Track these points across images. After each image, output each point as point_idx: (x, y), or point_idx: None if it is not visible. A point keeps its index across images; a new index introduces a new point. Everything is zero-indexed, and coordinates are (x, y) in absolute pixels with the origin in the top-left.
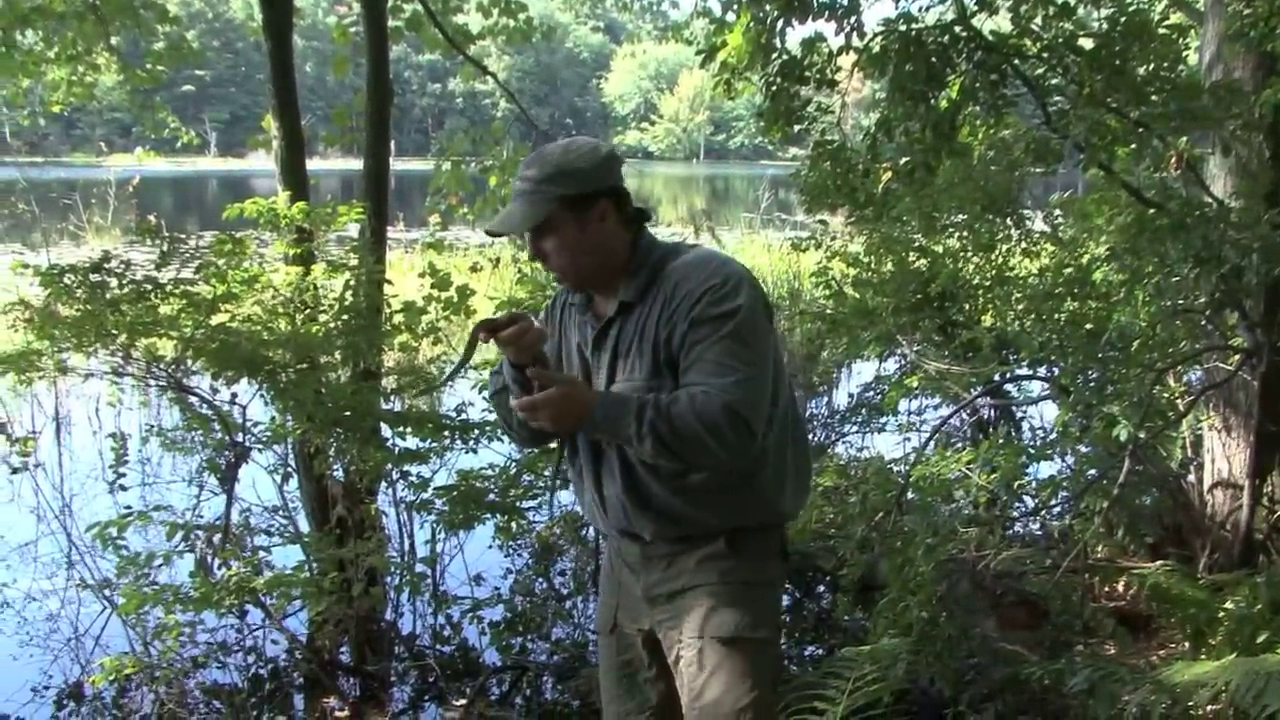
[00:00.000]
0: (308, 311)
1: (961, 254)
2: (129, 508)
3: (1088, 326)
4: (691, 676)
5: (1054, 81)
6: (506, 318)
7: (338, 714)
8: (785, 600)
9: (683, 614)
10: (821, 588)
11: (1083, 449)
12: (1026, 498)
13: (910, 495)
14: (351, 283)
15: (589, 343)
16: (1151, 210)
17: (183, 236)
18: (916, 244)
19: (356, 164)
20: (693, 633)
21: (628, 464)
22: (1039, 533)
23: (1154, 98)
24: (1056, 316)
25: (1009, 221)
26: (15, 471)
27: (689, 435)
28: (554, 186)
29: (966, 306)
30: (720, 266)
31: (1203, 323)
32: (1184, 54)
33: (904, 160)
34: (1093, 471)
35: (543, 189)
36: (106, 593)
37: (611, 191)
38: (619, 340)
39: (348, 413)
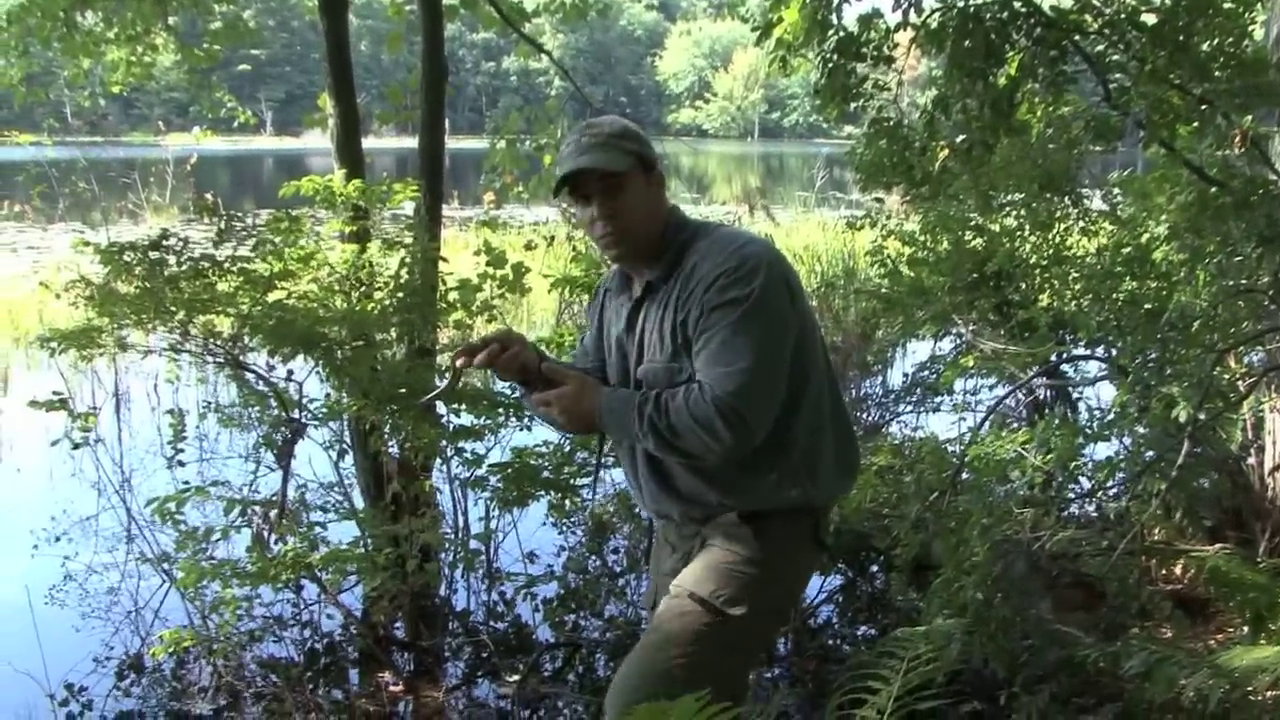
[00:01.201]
0: (363, 289)
1: (1018, 233)
2: (187, 483)
3: (1147, 306)
4: (659, 612)
5: (1115, 58)
6: (480, 342)
7: (392, 688)
8: (838, 580)
9: (688, 565)
10: (875, 567)
11: (1141, 430)
12: (1083, 479)
13: (965, 475)
14: (407, 260)
15: (624, 325)
16: (1214, 189)
17: (239, 214)
18: (973, 223)
19: (411, 142)
20: (680, 580)
21: None
22: (1095, 514)
23: (1218, 74)
24: (1115, 296)
25: (1067, 200)
26: (76, 447)
27: (684, 431)
28: (630, 143)
29: (1023, 286)
30: (739, 249)
31: (1265, 303)
32: (1250, 29)
33: (961, 138)
34: (1151, 453)
35: (621, 144)
36: (165, 567)
37: (656, 166)
38: (645, 321)
39: (403, 390)
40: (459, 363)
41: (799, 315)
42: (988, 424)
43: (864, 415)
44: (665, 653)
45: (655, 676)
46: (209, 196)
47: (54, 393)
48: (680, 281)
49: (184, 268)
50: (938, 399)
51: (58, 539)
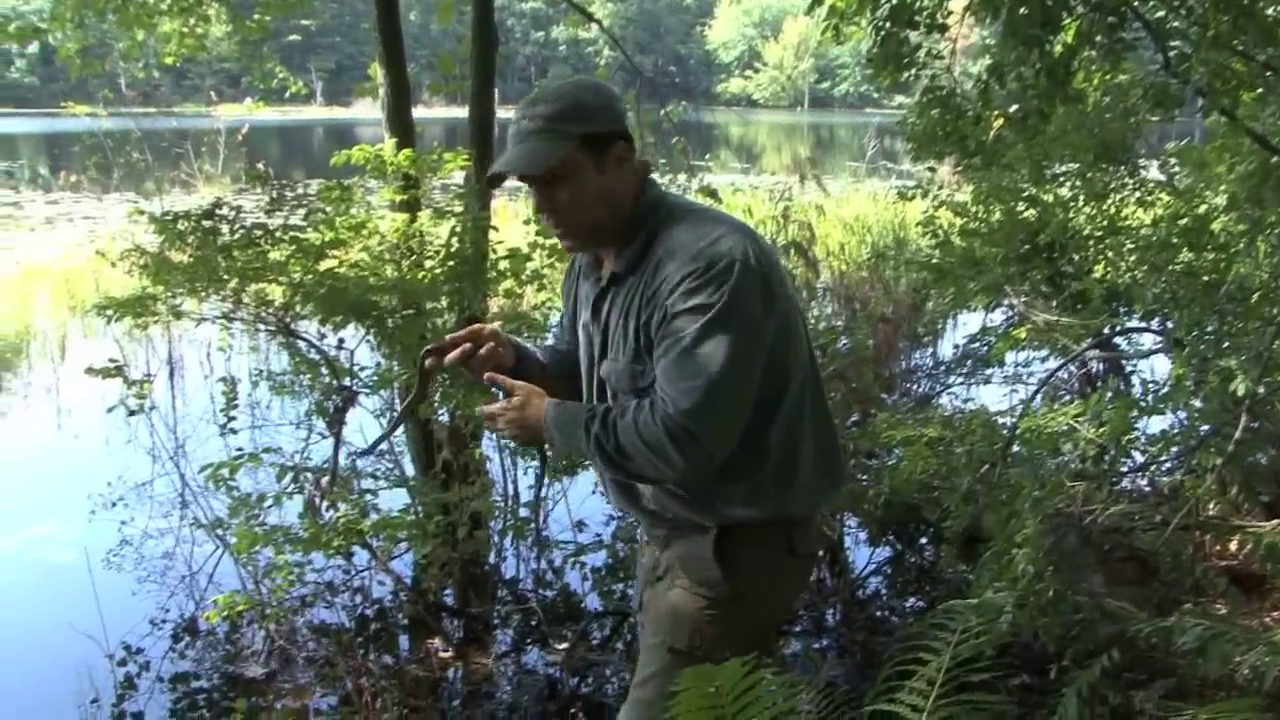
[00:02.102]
0: (414, 258)
1: (1073, 203)
2: (240, 450)
3: (1205, 278)
4: (642, 664)
5: (1175, 24)
6: (449, 341)
7: (441, 655)
8: (886, 552)
9: (659, 602)
10: (924, 540)
11: (1196, 404)
12: (1136, 453)
13: (1016, 448)
14: (457, 229)
15: (590, 312)
16: (1276, 158)
17: (291, 184)
18: (1026, 193)
19: (460, 112)
20: (654, 628)
21: None
22: (1148, 489)
23: None
24: (1171, 268)
25: (1123, 170)
26: (132, 413)
27: (632, 453)
28: (571, 124)
29: (1076, 257)
30: (710, 246)
31: None
32: None
33: (1015, 107)
34: (1206, 427)
35: (559, 127)
36: (219, 532)
37: (625, 134)
38: (610, 313)
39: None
40: (427, 362)
41: (780, 315)
42: (1039, 397)
43: (914, 386)
44: (659, 708)
45: None
46: (260, 166)
47: (110, 360)
48: (646, 276)
49: (236, 236)
50: (988, 371)
51: (114, 504)
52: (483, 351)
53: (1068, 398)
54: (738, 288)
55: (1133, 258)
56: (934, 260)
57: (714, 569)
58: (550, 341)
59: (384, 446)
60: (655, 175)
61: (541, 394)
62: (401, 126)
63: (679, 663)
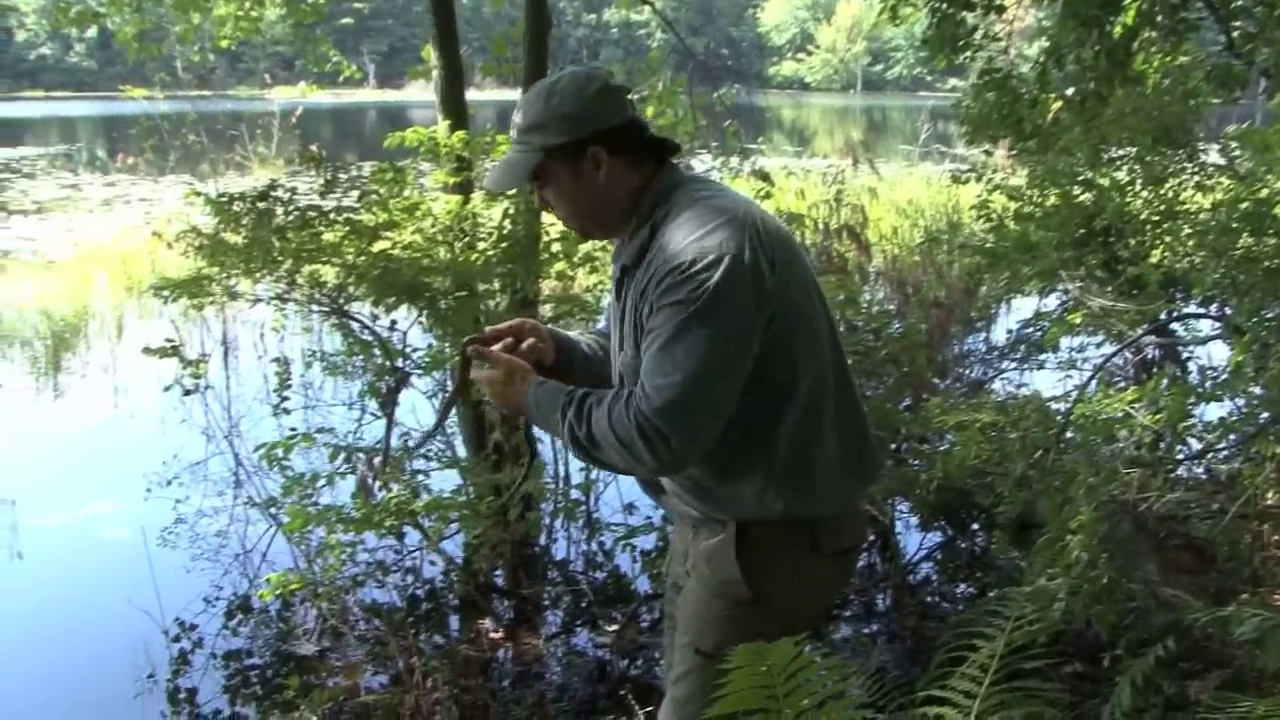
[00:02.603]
0: (466, 239)
1: (1129, 187)
2: (293, 430)
3: (1266, 264)
4: (676, 660)
5: (1239, 3)
6: (492, 333)
7: (492, 635)
8: (938, 537)
9: (686, 598)
10: (976, 525)
11: (1256, 391)
12: (1192, 440)
13: (1070, 434)
14: (509, 211)
15: (612, 305)
16: None
17: (345, 165)
18: (1082, 177)
19: (512, 95)
20: (684, 627)
21: None
22: (1205, 476)
23: None
24: (1231, 253)
25: (1182, 153)
26: (187, 393)
27: (604, 444)
28: (537, 137)
29: (1133, 242)
30: (701, 238)
31: None
32: None
33: (1072, 89)
34: (1266, 414)
35: (526, 140)
36: (272, 511)
37: (607, 134)
38: (624, 305)
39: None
40: (470, 351)
41: (780, 310)
42: (1094, 382)
43: (966, 372)
44: (692, 708)
45: None
46: (314, 148)
47: (166, 340)
48: (646, 269)
49: (291, 218)
50: (1042, 356)
51: (169, 483)
52: (524, 345)
53: (1123, 384)
54: (721, 284)
55: (1191, 243)
56: (988, 244)
57: (733, 568)
58: (602, 324)
59: None
60: (689, 159)
61: (527, 373)
62: (455, 109)
63: (705, 665)
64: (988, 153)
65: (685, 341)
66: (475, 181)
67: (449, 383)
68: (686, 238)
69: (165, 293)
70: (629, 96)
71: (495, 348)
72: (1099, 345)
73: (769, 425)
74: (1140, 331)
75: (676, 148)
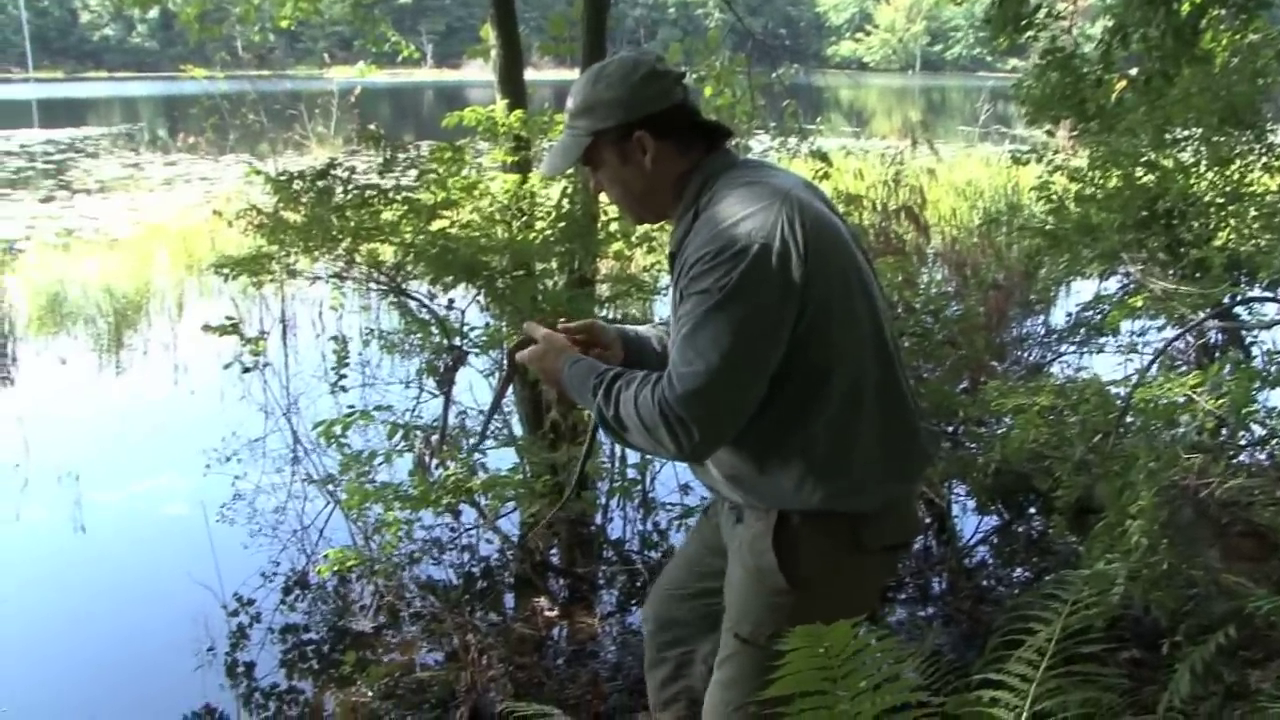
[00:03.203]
0: (524, 219)
1: (1194, 169)
2: (352, 407)
3: None
4: (722, 641)
5: None
6: (562, 329)
7: (547, 613)
8: (995, 521)
9: (730, 582)
10: (1033, 509)
11: None
12: (1256, 426)
13: (1130, 418)
14: (568, 191)
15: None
16: None
17: (403, 144)
18: (1145, 158)
19: (570, 74)
20: (728, 605)
21: None
22: (1268, 463)
23: None
24: None
25: (1249, 134)
26: (247, 370)
27: (630, 426)
28: (586, 121)
29: (1197, 224)
30: (730, 228)
31: None
32: None
33: (1135, 70)
34: None
35: (577, 125)
36: (330, 488)
37: (652, 119)
38: (672, 294)
39: (563, 319)
40: (519, 356)
41: (818, 298)
42: (1155, 366)
43: (1024, 355)
44: (734, 692)
45: (731, 713)
46: (373, 127)
47: (226, 318)
48: (683, 255)
49: (350, 196)
50: (1102, 340)
51: (228, 459)
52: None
53: (1185, 368)
54: (746, 273)
55: (1257, 225)
56: (1048, 226)
57: (770, 556)
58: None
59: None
60: (747, 139)
61: (565, 348)
62: (513, 88)
63: (747, 651)
64: (1049, 133)
65: (709, 330)
66: (533, 161)
67: (506, 362)
68: (719, 224)
69: (225, 271)
70: (680, 81)
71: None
72: (1160, 329)
73: (805, 416)
74: (1203, 315)
75: (729, 133)
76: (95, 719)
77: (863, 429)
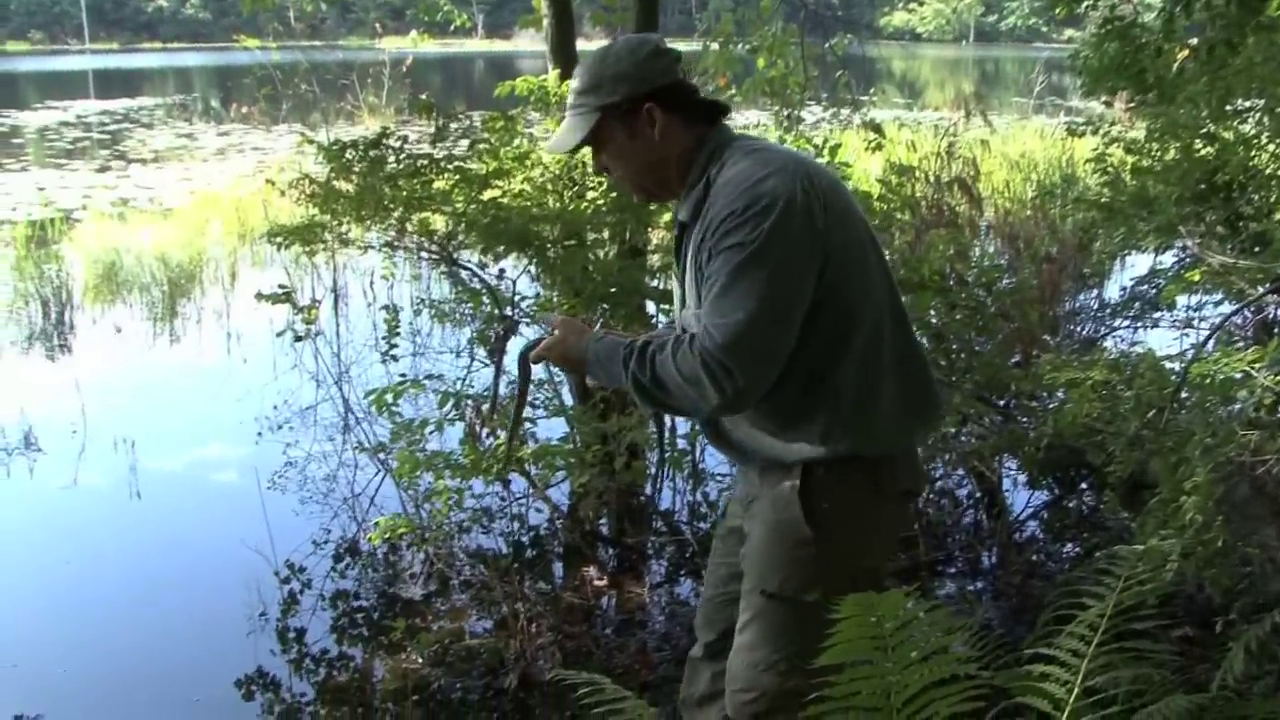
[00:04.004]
0: (576, 188)
1: (1255, 141)
2: (403, 376)
3: None
4: (741, 607)
5: None
6: (522, 360)
7: (596, 583)
8: (1044, 496)
9: (751, 544)
10: (1085, 485)
11: None
12: None
13: (1185, 394)
14: None
15: (676, 263)
16: None
17: (455, 114)
18: (1205, 129)
19: None
20: (749, 567)
21: None
22: None
23: None
24: None
25: None
26: (299, 339)
27: (670, 386)
28: (594, 97)
29: (1257, 197)
30: (755, 185)
31: None
32: None
33: (1195, 41)
34: None
35: (584, 102)
36: (381, 456)
37: (659, 92)
38: (685, 263)
39: (614, 289)
40: (531, 357)
41: (835, 253)
42: (1212, 341)
43: (1077, 329)
44: (761, 652)
45: (760, 674)
46: (425, 97)
47: (279, 286)
48: (703, 221)
49: (402, 166)
50: (1157, 314)
51: (279, 427)
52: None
53: (1242, 344)
54: (776, 226)
55: None
56: (1103, 199)
57: (795, 508)
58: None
59: (544, 376)
60: (799, 110)
61: (584, 329)
62: (565, 58)
63: (773, 607)
64: (1107, 104)
65: (744, 283)
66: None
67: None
68: (741, 185)
69: (279, 239)
70: (680, 61)
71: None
72: (1218, 304)
73: (831, 366)
74: (1262, 290)
75: (727, 109)
76: (150, 682)
77: (884, 376)
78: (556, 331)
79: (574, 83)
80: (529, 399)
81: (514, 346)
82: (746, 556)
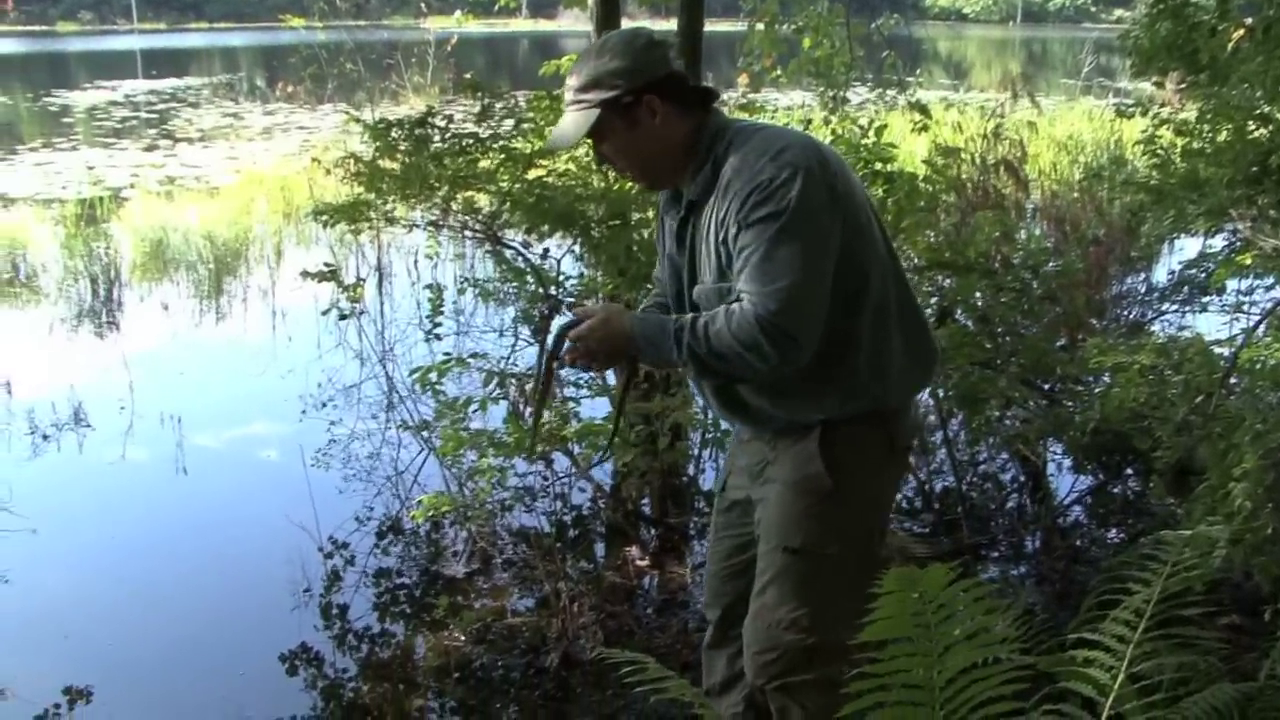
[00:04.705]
0: None
1: None
2: (447, 354)
3: None
4: (759, 571)
5: None
6: (557, 339)
7: (638, 563)
8: (1088, 481)
9: (768, 507)
10: (1130, 470)
11: None
12: None
13: (1235, 379)
14: None
15: (675, 244)
16: None
17: (501, 93)
18: (1259, 111)
19: (666, 25)
20: (767, 534)
21: None
22: None
23: None
24: None
25: None
26: (344, 317)
27: (729, 354)
28: (593, 93)
29: None
30: (772, 159)
31: None
32: None
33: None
34: None
35: (583, 98)
36: (424, 434)
37: (657, 83)
38: (694, 240)
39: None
40: (555, 364)
41: (848, 217)
42: (1263, 326)
43: (1124, 313)
44: (783, 609)
45: (780, 632)
46: (469, 76)
47: (325, 264)
48: (718, 197)
49: (447, 145)
50: (1206, 299)
51: (323, 405)
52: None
53: None
54: (802, 194)
55: None
56: (1152, 181)
57: (817, 463)
58: (651, 300)
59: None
60: (845, 91)
61: (620, 309)
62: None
63: (795, 562)
64: (1159, 85)
65: (782, 249)
66: None
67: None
68: (759, 160)
69: (325, 217)
70: (671, 52)
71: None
72: (1269, 288)
73: (849, 323)
74: None
75: (717, 94)
76: (197, 654)
77: (892, 331)
78: (595, 317)
79: (571, 80)
80: (557, 380)
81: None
82: (763, 520)
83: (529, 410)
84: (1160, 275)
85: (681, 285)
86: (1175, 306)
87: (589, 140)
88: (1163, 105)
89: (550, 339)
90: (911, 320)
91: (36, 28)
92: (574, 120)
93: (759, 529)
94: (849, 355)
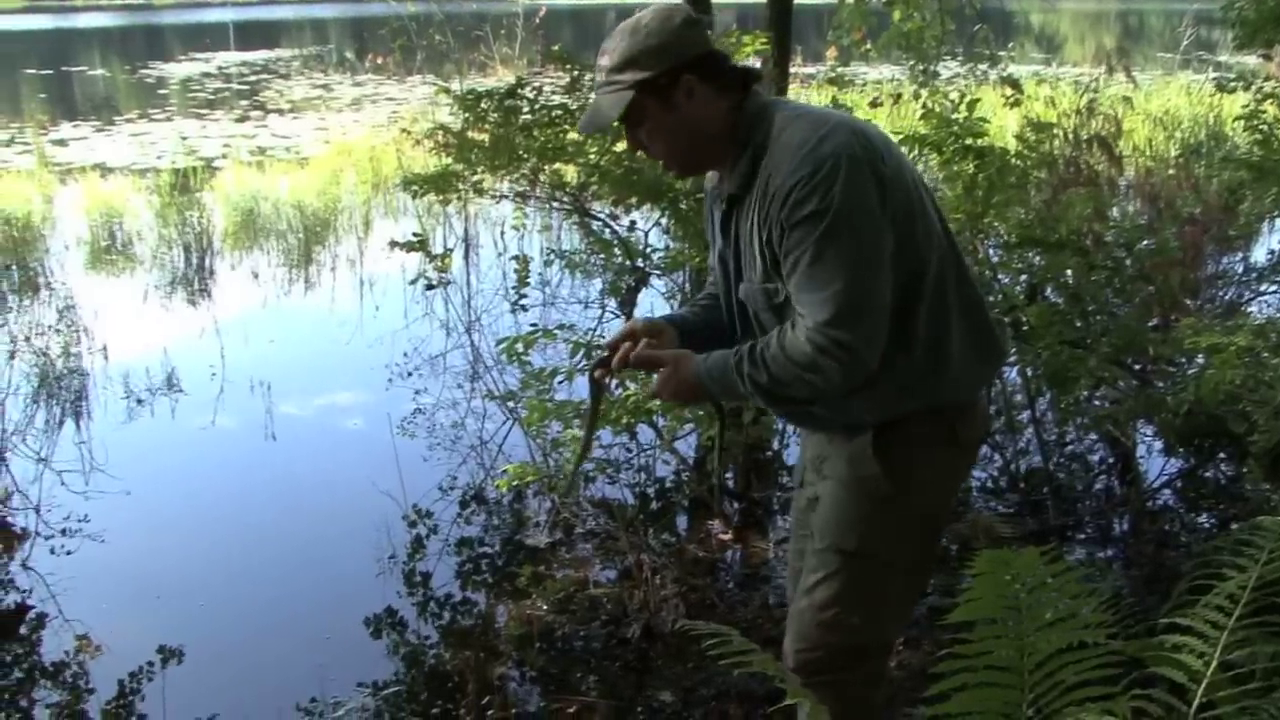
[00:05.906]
0: None
1: None
2: (533, 325)
3: None
4: (810, 566)
5: None
6: (609, 348)
7: (720, 537)
8: (1179, 465)
9: (824, 503)
10: (1223, 454)
11: None
12: None
13: None
14: None
15: (721, 238)
16: None
17: (590, 64)
18: None
19: None
20: (821, 532)
21: None
22: None
23: None
24: None
25: None
26: (431, 287)
27: (790, 380)
28: (627, 74)
29: None
30: (812, 151)
31: None
32: None
33: None
34: None
35: (617, 79)
36: (510, 405)
37: (695, 63)
38: (738, 235)
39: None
40: (597, 375)
41: (899, 200)
42: None
43: (1221, 293)
44: (834, 610)
45: (827, 632)
46: (557, 48)
47: (414, 234)
48: (760, 191)
49: (536, 116)
50: None
51: (409, 374)
52: (642, 344)
53: None
54: (847, 185)
55: None
56: (1254, 158)
57: (873, 465)
58: (704, 293)
59: None
60: (935, 65)
61: (688, 355)
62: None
63: (850, 564)
64: (1267, 57)
65: (830, 252)
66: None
67: (688, 285)
68: (798, 153)
69: (414, 187)
70: (709, 30)
71: (617, 359)
72: None
73: (906, 316)
74: None
75: (759, 75)
76: (284, 618)
77: (952, 324)
78: (665, 369)
79: (603, 60)
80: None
81: (644, 299)
82: (819, 515)
83: (614, 382)
84: (1259, 255)
85: (729, 280)
86: (1275, 288)
87: (620, 124)
88: (1267, 79)
89: (589, 380)
90: (973, 308)
91: (134, 1)
92: (608, 103)
93: (814, 520)
94: (907, 347)
